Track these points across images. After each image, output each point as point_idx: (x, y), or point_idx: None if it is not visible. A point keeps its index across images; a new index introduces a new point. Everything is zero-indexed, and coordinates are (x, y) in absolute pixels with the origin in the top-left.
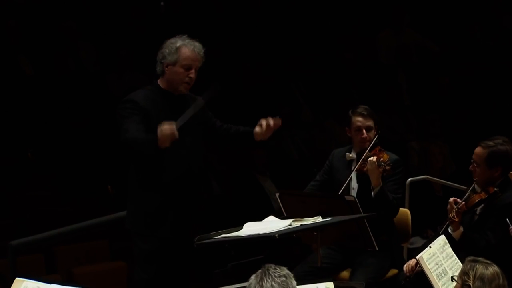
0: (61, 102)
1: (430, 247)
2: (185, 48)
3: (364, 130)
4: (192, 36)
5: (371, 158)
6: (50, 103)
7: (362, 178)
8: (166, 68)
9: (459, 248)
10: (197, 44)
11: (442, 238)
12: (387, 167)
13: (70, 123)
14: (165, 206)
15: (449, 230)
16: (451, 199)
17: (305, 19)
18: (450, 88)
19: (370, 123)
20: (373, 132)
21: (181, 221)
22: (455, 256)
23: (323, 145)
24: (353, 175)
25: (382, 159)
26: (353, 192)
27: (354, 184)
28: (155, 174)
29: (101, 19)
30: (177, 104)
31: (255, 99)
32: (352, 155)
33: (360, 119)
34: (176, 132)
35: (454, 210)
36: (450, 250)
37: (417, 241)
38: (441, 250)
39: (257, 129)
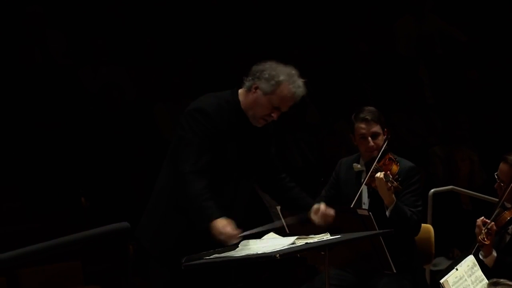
0: (26, 99)
1: (457, 269)
2: (287, 87)
3: (369, 138)
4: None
5: (378, 174)
6: (13, 101)
7: (374, 191)
8: (254, 90)
9: (493, 275)
10: (301, 85)
11: (470, 259)
12: (395, 183)
13: (37, 124)
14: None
15: (480, 256)
16: (479, 221)
17: (311, 3)
18: (480, 84)
19: (376, 128)
20: (381, 138)
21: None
22: (485, 280)
23: (332, 151)
24: (363, 189)
25: (390, 172)
26: (365, 208)
27: (365, 199)
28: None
29: (73, 3)
30: (249, 131)
31: None
32: (361, 165)
33: (363, 125)
34: (234, 239)
35: (483, 231)
36: (480, 273)
37: (442, 262)
38: (470, 272)
39: (313, 217)
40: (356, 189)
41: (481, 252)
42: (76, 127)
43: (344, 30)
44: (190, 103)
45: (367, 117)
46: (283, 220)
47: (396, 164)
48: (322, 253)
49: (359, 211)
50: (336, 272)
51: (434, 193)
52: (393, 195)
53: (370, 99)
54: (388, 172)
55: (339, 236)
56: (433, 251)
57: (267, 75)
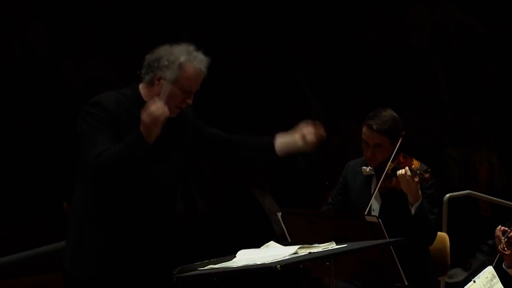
0: (3, 96)
1: (475, 281)
2: (190, 66)
3: (369, 148)
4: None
5: (401, 171)
6: None
7: (387, 196)
8: (157, 82)
9: None
10: (204, 59)
11: (489, 270)
12: (426, 174)
13: (15, 122)
14: (123, 242)
15: (504, 267)
16: (498, 230)
17: None
18: (500, 79)
19: (379, 140)
20: (383, 153)
21: (145, 258)
22: None
23: (338, 152)
24: (375, 195)
25: (413, 166)
26: (374, 214)
27: (375, 205)
28: (114, 200)
29: None
30: None
31: (251, 94)
32: (370, 169)
33: (366, 132)
34: (167, 110)
35: (503, 241)
36: (500, 285)
37: (458, 273)
38: (489, 285)
39: (297, 137)
40: (366, 194)
41: (504, 262)
42: (57, 126)
43: (351, 19)
44: None
45: (373, 125)
46: (284, 227)
47: (415, 159)
48: (327, 263)
49: (367, 218)
50: (342, 285)
51: (450, 198)
52: (420, 192)
53: (380, 96)
54: (412, 166)
55: (346, 245)
56: (448, 262)
57: (166, 62)
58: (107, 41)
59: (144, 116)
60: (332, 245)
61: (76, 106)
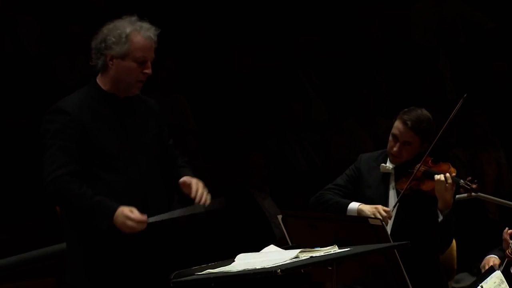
0: None
1: (482, 286)
2: (137, 35)
3: (398, 144)
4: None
5: (440, 176)
6: None
7: (407, 197)
8: (111, 62)
9: None
10: (150, 26)
11: (497, 275)
12: (474, 185)
13: (5, 122)
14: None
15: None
16: (505, 233)
17: None
18: (509, 77)
19: (411, 139)
20: (409, 152)
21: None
22: None
23: (340, 153)
24: (392, 193)
25: (453, 174)
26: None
27: (391, 205)
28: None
29: None
30: (123, 111)
31: (250, 92)
32: (388, 166)
33: (400, 126)
34: (145, 226)
35: (511, 245)
36: None
37: (465, 278)
38: None
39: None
40: (382, 192)
41: None
42: None
43: (354, 14)
44: (179, 97)
45: (408, 121)
46: (285, 230)
47: (451, 166)
48: (329, 268)
49: (371, 221)
50: None
51: (456, 200)
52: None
53: (384, 94)
54: (453, 174)
55: (349, 249)
56: (455, 266)
57: (113, 39)
58: None
59: (125, 225)
60: (334, 249)
61: None
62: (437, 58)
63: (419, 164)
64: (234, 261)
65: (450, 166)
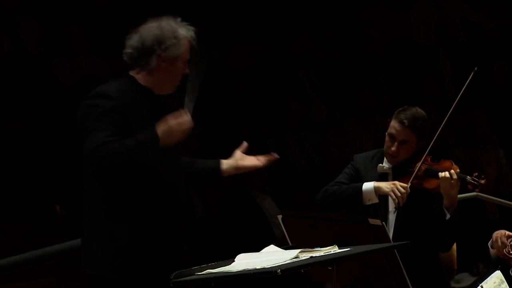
0: None
1: (482, 286)
2: (187, 37)
3: (396, 143)
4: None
5: (444, 173)
6: None
7: (408, 196)
8: (164, 63)
9: None
10: (191, 28)
11: (497, 275)
12: (482, 181)
13: (5, 122)
14: (145, 240)
15: (511, 272)
16: (502, 236)
17: None
18: (509, 77)
19: (408, 137)
20: (406, 151)
21: (165, 259)
22: None
23: (340, 153)
24: None
25: (457, 170)
26: (391, 216)
27: (392, 206)
28: (135, 198)
29: None
30: (158, 106)
31: (250, 91)
32: (386, 166)
33: (396, 126)
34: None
35: (508, 245)
36: None
37: (465, 278)
38: None
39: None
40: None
41: (511, 269)
42: (50, 126)
43: (354, 14)
44: (181, 97)
45: (404, 120)
46: (284, 230)
47: (454, 163)
48: (329, 268)
49: (371, 221)
50: None
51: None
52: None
53: (384, 94)
54: (458, 170)
55: (349, 249)
56: (455, 266)
57: (173, 40)
58: (100, 38)
59: (173, 124)
60: (334, 249)
61: (69, 105)
62: (437, 58)
63: (420, 163)
64: (234, 261)
65: (452, 163)
